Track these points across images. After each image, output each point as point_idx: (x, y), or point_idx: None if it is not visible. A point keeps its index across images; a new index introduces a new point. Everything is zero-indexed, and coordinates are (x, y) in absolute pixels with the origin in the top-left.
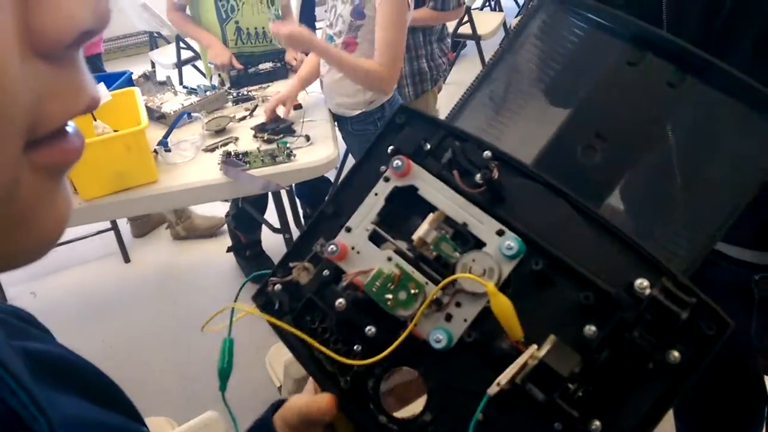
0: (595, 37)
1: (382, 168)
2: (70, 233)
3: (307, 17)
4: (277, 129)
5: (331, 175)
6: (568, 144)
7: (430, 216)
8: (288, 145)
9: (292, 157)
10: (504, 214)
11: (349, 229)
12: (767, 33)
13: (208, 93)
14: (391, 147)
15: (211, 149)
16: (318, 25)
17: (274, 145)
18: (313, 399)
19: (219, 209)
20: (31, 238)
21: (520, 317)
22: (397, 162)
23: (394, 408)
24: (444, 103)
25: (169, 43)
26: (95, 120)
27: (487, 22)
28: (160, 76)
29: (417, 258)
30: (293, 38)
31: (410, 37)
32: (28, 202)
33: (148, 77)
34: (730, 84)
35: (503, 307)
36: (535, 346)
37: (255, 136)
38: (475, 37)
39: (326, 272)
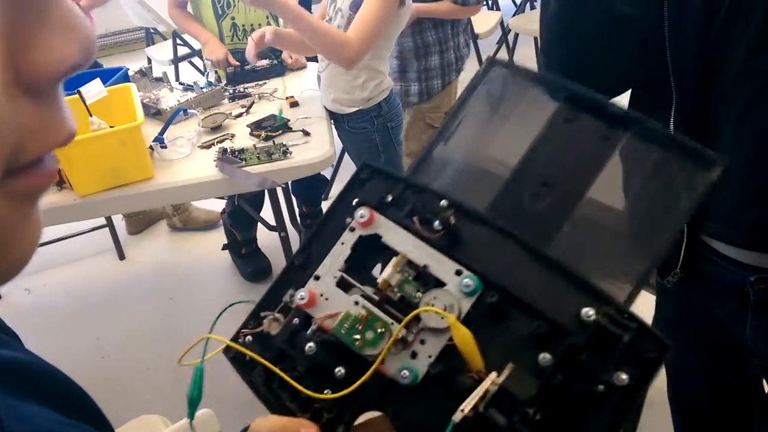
0: (535, 98)
1: (348, 219)
2: (64, 230)
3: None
4: (274, 126)
5: (327, 173)
6: (517, 192)
7: (394, 260)
8: (284, 143)
9: (288, 155)
10: (461, 256)
11: (317, 278)
12: (762, 36)
13: (204, 90)
14: (356, 200)
15: (207, 146)
16: None
17: (270, 142)
18: (293, 421)
19: (216, 206)
20: (3, 261)
21: (481, 349)
22: (361, 212)
23: None
24: None
25: (165, 39)
26: (91, 116)
27: (484, 21)
28: (157, 73)
29: (382, 300)
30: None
31: (440, 30)
32: (3, 228)
33: (144, 73)
34: (652, 135)
35: (464, 337)
36: (495, 374)
37: (251, 134)
38: (472, 35)
39: (296, 320)
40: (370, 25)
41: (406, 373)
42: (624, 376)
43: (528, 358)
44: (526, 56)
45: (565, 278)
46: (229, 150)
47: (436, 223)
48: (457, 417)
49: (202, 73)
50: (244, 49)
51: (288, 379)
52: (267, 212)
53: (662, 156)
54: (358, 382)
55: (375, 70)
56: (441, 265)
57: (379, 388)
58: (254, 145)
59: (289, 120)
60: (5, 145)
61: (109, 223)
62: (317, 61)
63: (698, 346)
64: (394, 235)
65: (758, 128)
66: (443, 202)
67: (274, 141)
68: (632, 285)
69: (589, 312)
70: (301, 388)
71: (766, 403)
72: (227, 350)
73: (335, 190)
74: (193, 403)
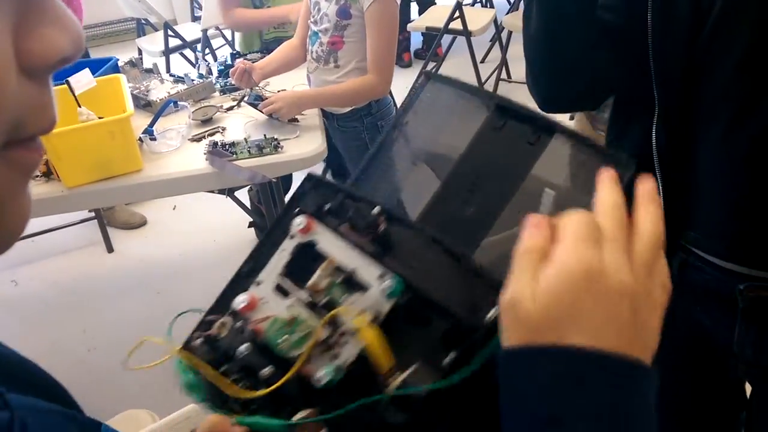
0: (465, 108)
1: (288, 228)
2: (52, 221)
3: None
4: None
5: (319, 168)
6: (448, 198)
7: (322, 265)
8: (275, 137)
9: (280, 149)
10: (389, 262)
11: (259, 283)
12: (749, 55)
13: (195, 82)
14: (297, 209)
15: (198, 139)
16: None
17: (261, 137)
18: (224, 420)
19: (207, 199)
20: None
21: (397, 350)
22: (298, 220)
23: None
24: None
25: (156, 30)
26: (80, 106)
27: (477, 18)
28: (147, 64)
29: (311, 304)
30: (284, 111)
31: None
32: (1, 193)
33: (134, 64)
34: (574, 140)
35: (370, 338)
36: (398, 373)
37: (248, 102)
38: (466, 32)
39: (239, 323)
40: (386, 54)
41: (322, 375)
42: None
43: (438, 357)
44: (520, 54)
45: (483, 282)
46: (219, 143)
47: (368, 229)
48: (295, 418)
49: (193, 65)
50: (284, 38)
51: (220, 378)
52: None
53: (582, 159)
54: (279, 383)
55: (363, 70)
56: (367, 270)
57: (306, 388)
58: (245, 139)
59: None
60: (11, 118)
61: (98, 216)
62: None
63: (682, 351)
64: (328, 241)
65: (741, 144)
66: (375, 210)
67: (265, 135)
68: None
69: (496, 312)
70: (231, 386)
71: (749, 408)
72: (182, 350)
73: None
74: (193, 388)
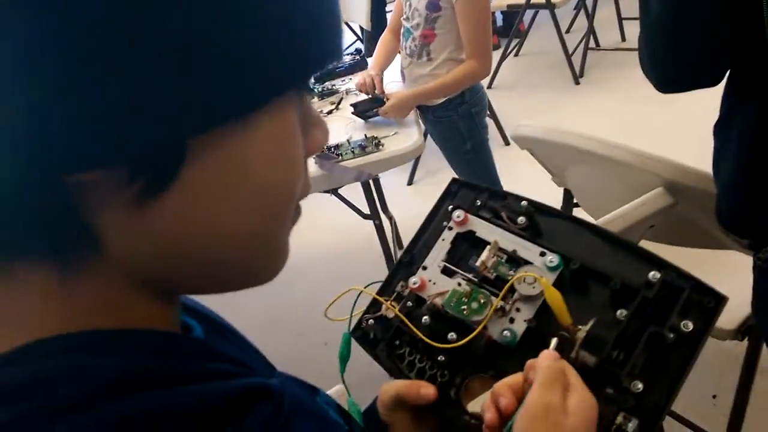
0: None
1: (444, 223)
2: None
3: (378, 15)
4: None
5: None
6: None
7: (488, 247)
8: (376, 135)
9: (381, 147)
10: (542, 242)
11: (425, 268)
12: None
13: None
14: (450, 206)
15: None
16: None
17: (362, 137)
18: (414, 382)
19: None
20: (271, 268)
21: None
22: (457, 213)
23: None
24: (522, 73)
25: None
26: None
27: None
28: None
29: (481, 280)
30: (398, 112)
31: None
32: (280, 243)
33: None
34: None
35: (554, 296)
36: (581, 326)
37: (353, 113)
38: (549, 5)
39: (409, 303)
40: (483, 38)
41: (507, 333)
42: (690, 324)
43: (607, 315)
44: (607, 20)
45: (630, 253)
46: (325, 147)
47: (521, 218)
48: (553, 342)
49: None
50: None
51: (418, 332)
52: (360, 201)
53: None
54: (469, 337)
55: (455, 60)
56: (527, 249)
57: (484, 350)
58: (348, 140)
59: (386, 98)
60: (300, 193)
61: None
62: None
63: None
64: (485, 229)
65: None
66: (524, 203)
67: (366, 135)
68: None
69: (655, 274)
70: (424, 337)
71: None
72: (354, 331)
73: (419, 174)
74: (344, 359)
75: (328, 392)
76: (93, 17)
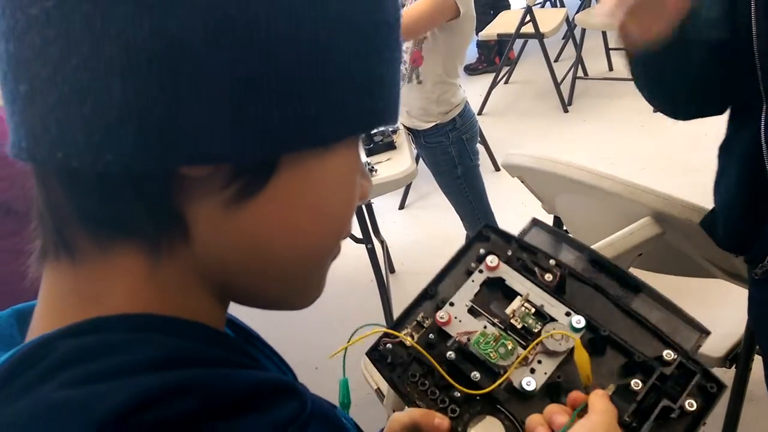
0: (568, 253)
1: (473, 264)
2: None
3: None
4: (381, 143)
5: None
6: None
7: (519, 296)
8: (369, 161)
9: (374, 173)
10: (567, 302)
11: (452, 304)
12: None
13: None
14: (482, 250)
15: None
16: None
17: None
18: (430, 412)
19: None
20: (311, 295)
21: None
22: (491, 258)
23: None
24: (511, 100)
25: None
26: None
27: (549, 19)
28: None
29: (506, 327)
30: None
31: None
32: (321, 276)
33: None
34: (656, 299)
35: (583, 356)
36: (601, 389)
37: (365, 147)
38: (538, 35)
39: (431, 335)
40: None
41: (529, 381)
42: (693, 403)
43: (621, 382)
44: (594, 49)
45: (644, 329)
46: None
47: (548, 276)
48: (610, 389)
49: None
50: None
51: (443, 372)
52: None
53: (662, 317)
54: (495, 384)
55: (447, 83)
56: (553, 307)
57: (501, 396)
58: None
59: (396, 129)
60: (347, 229)
61: None
62: None
63: None
64: (514, 279)
65: None
66: (552, 261)
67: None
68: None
69: (670, 353)
70: (448, 377)
71: None
72: (371, 352)
73: (411, 198)
74: (346, 408)
75: None
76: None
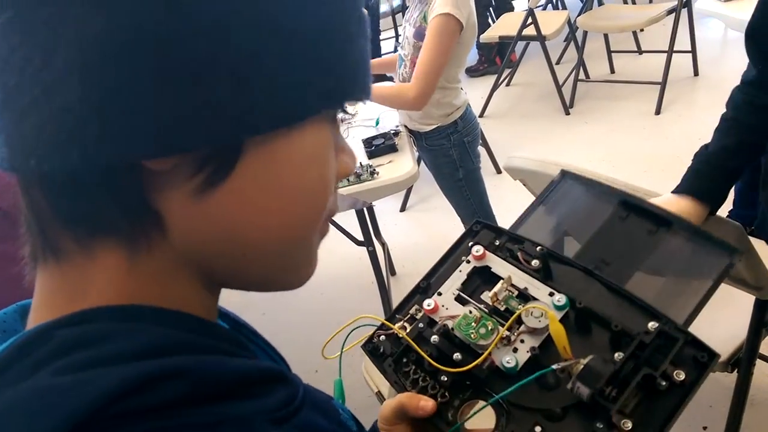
0: (595, 200)
1: (463, 257)
2: None
3: (372, 42)
4: (382, 146)
5: None
6: (583, 261)
7: (501, 281)
8: (371, 164)
9: (376, 175)
10: (553, 285)
11: (440, 293)
12: None
13: None
14: (471, 243)
15: None
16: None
17: (357, 165)
18: (415, 395)
19: None
20: (301, 273)
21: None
22: (477, 248)
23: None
24: (513, 103)
25: None
26: None
27: (550, 22)
28: None
29: (490, 311)
30: None
31: None
32: (309, 254)
33: None
34: (687, 230)
35: (559, 329)
36: (581, 359)
37: (366, 150)
38: (540, 38)
39: (421, 325)
40: (428, 68)
41: (510, 359)
42: (682, 374)
43: (605, 355)
44: (596, 52)
45: (634, 305)
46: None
47: (534, 261)
48: (556, 366)
49: None
50: None
51: (424, 354)
52: (354, 227)
53: (694, 247)
54: (477, 361)
55: (448, 88)
56: (537, 289)
57: (486, 374)
58: None
59: (397, 132)
60: (328, 211)
61: None
62: (392, 80)
63: None
64: (500, 266)
65: None
66: (539, 248)
67: (361, 163)
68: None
69: (654, 324)
70: (432, 361)
71: None
72: (365, 345)
73: (412, 200)
74: (338, 385)
75: None
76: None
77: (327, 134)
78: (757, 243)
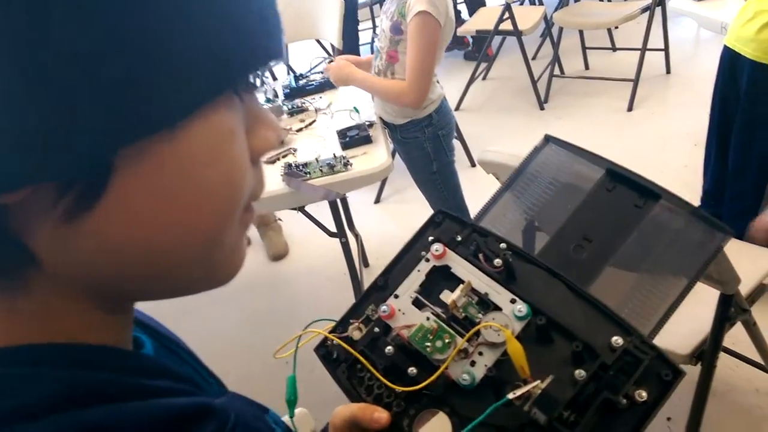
0: (579, 170)
1: (423, 252)
2: None
3: (350, 33)
4: (357, 137)
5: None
6: (563, 243)
7: (461, 286)
8: (344, 155)
9: (349, 166)
10: (515, 289)
11: (396, 296)
12: None
13: (264, 106)
14: (431, 237)
15: (272, 161)
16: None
17: (330, 156)
18: (369, 406)
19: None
20: (226, 271)
21: (528, 363)
22: (435, 247)
23: None
24: (489, 97)
25: None
26: None
27: (527, 17)
28: None
29: (449, 318)
30: (335, 76)
31: None
32: (231, 245)
33: None
34: (676, 205)
35: (516, 349)
36: (539, 381)
37: (340, 141)
38: (517, 32)
39: (376, 329)
40: (419, 66)
41: (466, 376)
42: (644, 394)
43: (566, 373)
44: (571, 48)
45: (599, 313)
46: (293, 164)
47: (497, 260)
48: (510, 395)
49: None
50: None
51: (372, 369)
52: (327, 219)
53: (684, 222)
54: (429, 380)
55: None
56: (499, 294)
57: (442, 389)
58: (316, 159)
59: (372, 123)
60: (247, 194)
61: None
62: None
63: None
64: (461, 267)
65: None
66: (503, 245)
67: (335, 154)
68: (652, 325)
69: (618, 340)
70: (382, 378)
71: None
72: (318, 348)
73: (386, 192)
74: (291, 404)
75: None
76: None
77: (227, 120)
78: None
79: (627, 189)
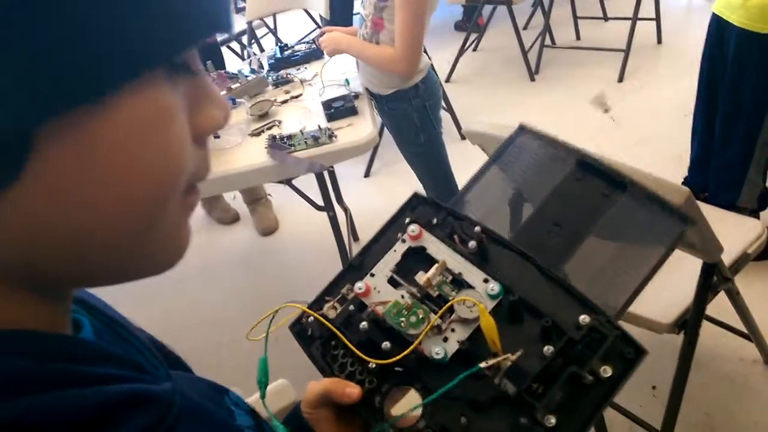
0: (552, 159)
1: (399, 234)
2: None
3: (341, 2)
4: (342, 108)
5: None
6: (535, 228)
7: (436, 264)
8: (329, 127)
9: (334, 138)
10: (488, 270)
11: (372, 275)
12: None
13: (249, 78)
14: (407, 219)
15: (257, 133)
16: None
17: (315, 127)
18: (341, 381)
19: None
20: (166, 254)
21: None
22: (412, 228)
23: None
24: (479, 68)
25: None
26: None
27: None
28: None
29: (423, 296)
30: (326, 45)
31: None
32: (171, 228)
33: None
34: (641, 195)
35: (489, 323)
36: (509, 354)
37: (325, 113)
38: (507, 2)
39: (351, 307)
40: (409, 34)
41: (439, 350)
42: (609, 370)
43: (535, 348)
44: (562, 18)
45: (568, 294)
46: (278, 137)
47: (471, 243)
48: (483, 364)
49: (240, 57)
50: None
51: (348, 343)
52: (315, 193)
53: (647, 212)
54: (404, 353)
55: None
56: (472, 274)
57: (414, 364)
58: (301, 131)
59: (358, 94)
60: (189, 174)
61: None
62: None
63: None
64: (436, 248)
65: None
66: (477, 228)
67: (320, 126)
68: (616, 310)
69: (585, 318)
70: (356, 350)
71: None
72: (293, 326)
73: (376, 166)
74: (263, 385)
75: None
76: None
77: (164, 96)
78: (705, 207)
79: (595, 178)
